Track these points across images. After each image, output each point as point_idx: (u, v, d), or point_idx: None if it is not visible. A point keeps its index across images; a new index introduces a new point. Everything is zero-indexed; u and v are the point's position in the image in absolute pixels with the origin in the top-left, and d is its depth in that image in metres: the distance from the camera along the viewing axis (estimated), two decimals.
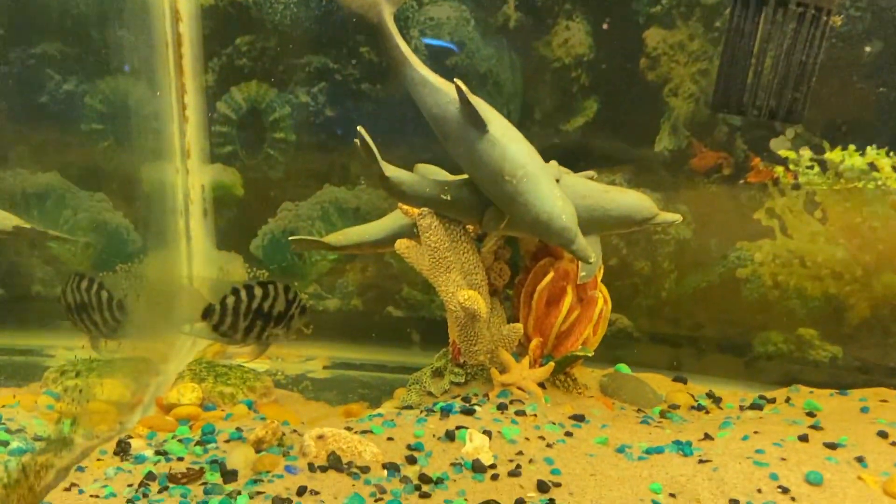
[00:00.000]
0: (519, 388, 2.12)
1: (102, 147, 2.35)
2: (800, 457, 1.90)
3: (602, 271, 2.22)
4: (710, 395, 2.45)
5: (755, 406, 2.39)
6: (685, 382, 2.53)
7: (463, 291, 2.03)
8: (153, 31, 2.27)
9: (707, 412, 2.31)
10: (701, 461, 1.85)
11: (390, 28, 1.96)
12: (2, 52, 2.18)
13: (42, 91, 2.26)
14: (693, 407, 2.36)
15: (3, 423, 1.83)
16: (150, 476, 1.65)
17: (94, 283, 2.20)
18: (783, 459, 1.88)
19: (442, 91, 1.94)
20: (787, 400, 2.44)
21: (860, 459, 1.90)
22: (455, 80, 1.86)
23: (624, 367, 2.49)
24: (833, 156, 2.28)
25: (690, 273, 2.47)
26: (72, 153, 2.33)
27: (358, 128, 1.90)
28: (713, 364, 2.58)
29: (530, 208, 1.90)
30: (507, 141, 1.91)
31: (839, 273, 2.40)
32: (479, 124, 1.89)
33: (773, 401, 2.43)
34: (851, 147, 2.26)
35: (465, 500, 1.63)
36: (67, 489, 1.61)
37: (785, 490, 1.75)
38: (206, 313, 2.24)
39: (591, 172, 2.25)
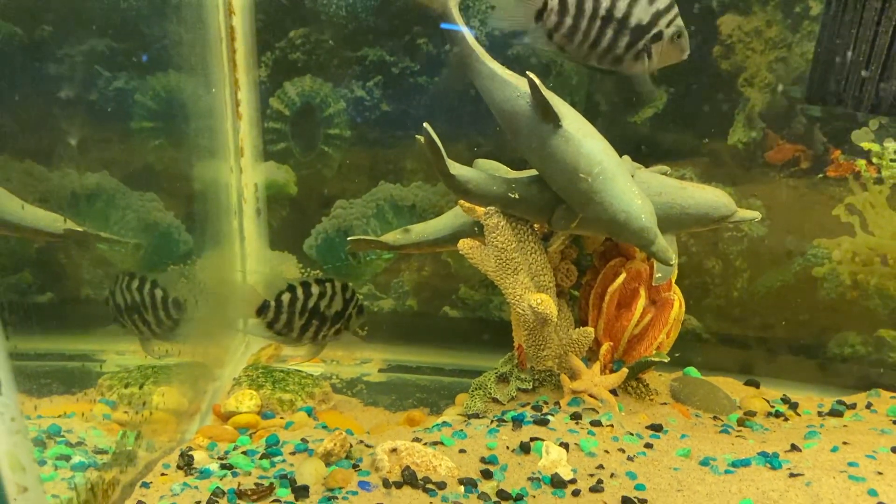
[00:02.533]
0: (591, 396, 2.03)
1: (153, 145, 2.28)
2: (891, 467, 1.79)
3: (676, 271, 2.12)
4: (785, 401, 2.33)
5: (835, 412, 2.27)
6: (758, 386, 2.41)
7: (533, 294, 1.93)
8: (206, 25, 2.19)
9: (786, 419, 2.19)
10: (792, 475, 1.74)
11: (457, 18, 1.86)
12: (49, 50, 2.11)
13: (91, 89, 2.19)
14: (770, 413, 2.24)
15: (63, 436, 1.77)
16: (217, 492, 1.58)
17: (147, 281, 2.14)
18: (880, 473, 1.77)
19: (512, 85, 1.83)
20: (869, 406, 2.32)
21: None
22: (528, 73, 1.75)
23: (693, 371, 2.39)
24: None
25: (764, 272, 2.35)
26: (121, 152, 2.26)
27: (424, 125, 1.81)
28: (785, 367, 2.46)
29: (607, 207, 1.79)
30: (581, 136, 1.80)
31: None
32: (553, 119, 1.78)
33: (853, 406, 2.31)
34: None
35: None
36: None
37: None
38: (261, 310, 2.18)
39: (663, 167, 2.13)
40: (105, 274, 2.25)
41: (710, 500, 1.67)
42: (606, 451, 1.81)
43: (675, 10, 1.82)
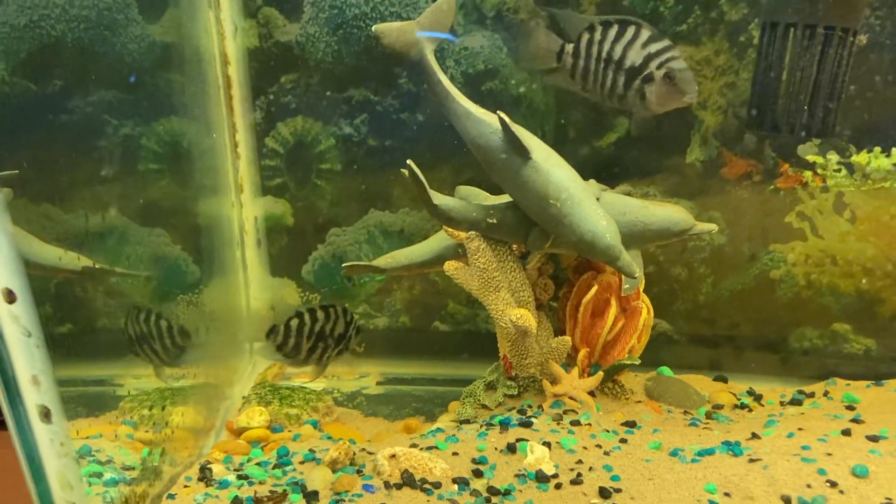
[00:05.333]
0: (571, 398, 2.23)
1: (159, 185, 2.46)
2: (844, 451, 1.99)
3: (643, 281, 2.33)
4: (750, 393, 2.54)
5: (795, 401, 2.48)
6: (726, 381, 2.62)
7: (514, 309, 2.14)
8: (204, 74, 2.39)
9: (750, 410, 2.40)
10: (751, 460, 1.95)
11: (432, 65, 2.06)
12: (62, 102, 2.30)
13: (101, 136, 2.38)
14: (736, 406, 2.45)
15: (93, 455, 1.95)
16: (236, 500, 1.77)
17: (152, 313, 2.33)
18: (829, 454, 1.97)
19: (485, 122, 2.04)
20: (826, 394, 2.53)
21: None
22: (498, 112, 1.96)
23: (666, 370, 2.59)
24: (859, 158, 2.36)
25: (726, 276, 2.56)
26: (130, 193, 2.44)
27: (408, 161, 2.01)
28: (751, 362, 2.66)
29: (575, 229, 2.00)
30: (549, 166, 2.01)
31: (870, 269, 2.48)
32: (523, 152, 1.99)
33: (811, 395, 2.52)
34: (877, 149, 2.33)
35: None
36: None
37: (833, 484, 1.84)
38: (270, 333, 2.36)
39: (626, 188, 2.35)
40: (120, 305, 2.44)
41: (678, 486, 1.87)
42: (585, 448, 2.01)
43: (670, 53, 2.00)
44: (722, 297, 2.59)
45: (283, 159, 2.51)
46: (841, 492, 1.82)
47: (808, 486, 1.85)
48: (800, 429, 2.14)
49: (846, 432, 2.10)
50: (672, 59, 1.94)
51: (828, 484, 1.85)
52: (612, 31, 2.02)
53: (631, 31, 1.97)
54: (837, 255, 2.49)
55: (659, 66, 1.95)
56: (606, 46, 2.02)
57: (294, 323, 2.35)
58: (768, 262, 2.52)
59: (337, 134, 2.45)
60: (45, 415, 1.40)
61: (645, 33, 1.96)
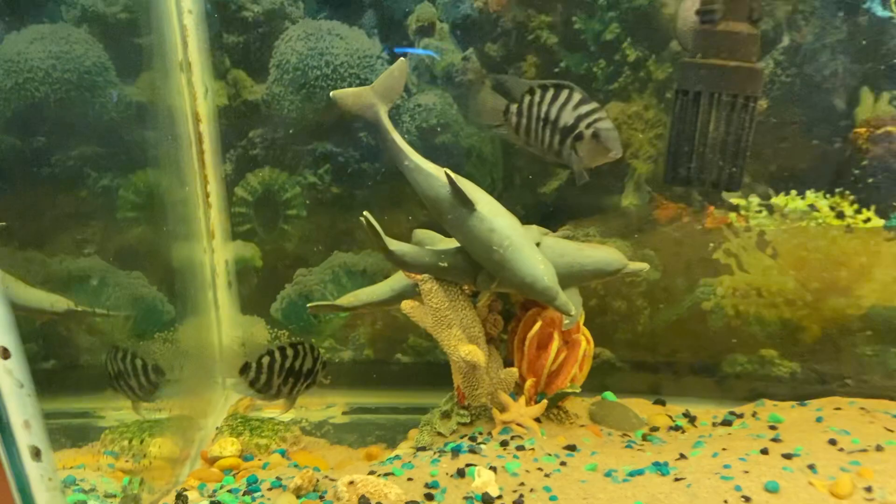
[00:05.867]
0: (518, 425, 2.44)
1: (136, 232, 2.65)
2: (760, 468, 2.22)
3: (584, 316, 2.55)
4: (686, 415, 2.76)
5: (726, 422, 2.71)
6: (664, 404, 2.85)
7: (464, 345, 2.34)
8: (177, 131, 2.58)
9: (683, 431, 2.62)
10: (676, 479, 2.16)
11: (386, 125, 2.28)
12: (46, 156, 2.49)
13: (82, 187, 2.56)
14: (671, 427, 2.67)
15: (78, 485, 2.12)
16: None
17: (129, 352, 2.50)
18: (746, 472, 2.19)
19: (434, 176, 2.26)
20: (754, 414, 2.76)
21: (811, 467, 2.22)
22: (444, 169, 2.18)
23: (610, 395, 2.81)
24: (778, 200, 2.61)
25: (662, 308, 2.79)
26: (109, 238, 2.63)
27: (364, 213, 2.22)
28: (688, 386, 2.90)
29: (516, 273, 2.22)
30: (492, 216, 2.23)
31: (791, 300, 2.73)
32: (468, 204, 2.21)
33: (741, 416, 2.75)
34: (793, 192, 2.59)
35: None
36: None
37: (747, 499, 2.06)
38: (243, 370, 2.54)
39: (567, 230, 2.57)
40: (100, 343, 2.61)
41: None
42: (527, 471, 2.21)
43: (598, 115, 2.23)
44: (659, 327, 2.82)
45: (251, 207, 2.71)
46: None
47: (725, 501, 2.07)
48: (724, 448, 2.36)
49: (764, 451, 2.32)
50: (599, 120, 2.18)
51: (742, 499, 2.07)
52: (549, 94, 2.26)
53: (565, 94, 2.21)
54: (762, 287, 2.73)
55: (587, 126, 2.18)
56: (544, 108, 2.25)
57: (265, 360, 2.52)
58: (700, 295, 2.76)
59: (302, 183, 2.65)
60: (36, 454, 1.58)
61: (577, 96, 2.20)
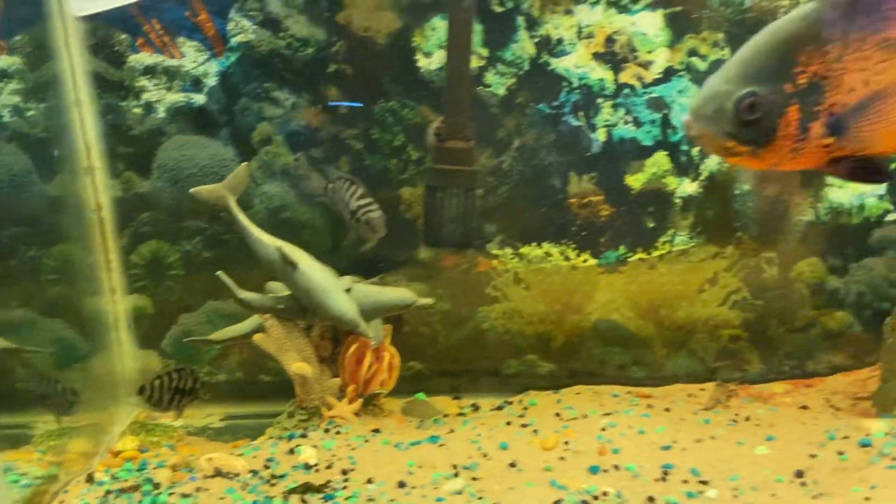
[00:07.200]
0: (340, 418, 3.43)
1: (56, 290, 3.53)
2: (500, 434, 3.19)
3: (390, 337, 3.56)
4: (473, 406, 3.77)
5: (499, 408, 3.68)
6: (459, 399, 3.86)
7: (297, 364, 3.33)
8: (85, 215, 3.47)
9: (464, 416, 3.65)
10: (441, 445, 3.18)
11: (235, 211, 3.26)
12: None
13: (14, 258, 3.45)
14: (458, 414, 3.67)
15: (13, 471, 3.00)
16: (108, 492, 2.86)
17: (52, 379, 3.39)
18: (489, 438, 3.21)
19: (269, 246, 3.24)
20: (521, 401, 3.75)
21: (535, 431, 3.26)
22: (277, 245, 3.18)
23: (421, 396, 3.76)
24: (524, 250, 3.71)
25: (454, 330, 3.83)
26: (36, 295, 3.51)
27: (218, 272, 3.20)
28: (481, 385, 3.86)
29: (329, 310, 3.21)
30: (311, 272, 3.22)
31: (542, 319, 3.78)
32: (293, 265, 3.21)
33: (511, 403, 3.74)
34: (534, 244, 3.69)
35: (296, 482, 2.91)
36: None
37: (485, 455, 3.07)
38: (140, 391, 3.44)
39: (375, 280, 3.61)
40: (32, 372, 3.48)
41: (391, 463, 3.05)
42: (339, 447, 3.17)
43: (370, 207, 3.27)
44: (454, 344, 3.84)
45: (143, 269, 3.64)
46: (485, 456, 3.02)
47: (470, 457, 3.08)
48: (482, 424, 3.39)
49: (508, 423, 3.35)
50: (370, 211, 3.24)
51: (482, 454, 3.08)
52: (346, 184, 3.31)
53: (354, 187, 3.26)
54: (521, 311, 3.79)
55: (363, 214, 3.24)
56: (342, 193, 3.30)
57: (157, 382, 3.39)
58: (480, 319, 3.80)
59: (181, 250, 3.60)
60: None
61: (360, 190, 3.26)
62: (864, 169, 2.00)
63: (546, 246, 3.67)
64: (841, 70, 1.86)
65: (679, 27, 3.37)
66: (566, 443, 3.14)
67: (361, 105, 3.35)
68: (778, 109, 1.87)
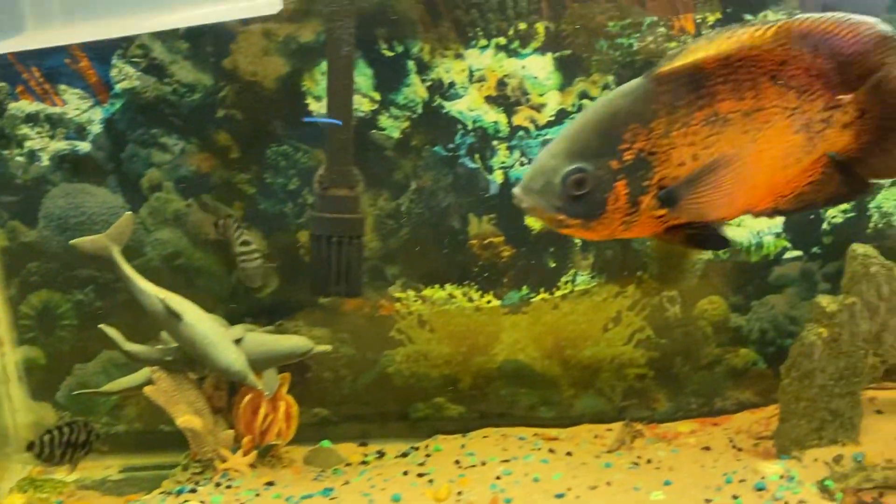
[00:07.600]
0: (235, 471, 3.34)
1: None
2: (394, 485, 3.18)
3: (286, 387, 3.49)
4: (378, 453, 3.72)
5: (404, 454, 3.65)
6: (366, 445, 3.81)
7: (185, 416, 3.24)
8: None
9: (367, 464, 3.58)
10: (332, 499, 3.11)
11: (118, 261, 3.19)
12: None
13: None
14: (361, 462, 3.63)
15: None
16: None
17: None
18: (383, 489, 3.16)
19: (151, 294, 3.18)
20: (427, 446, 3.73)
21: (431, 481, 3.22)
22: (160, 296, 3.11)
23: (326, 443, 3.70)
24: (427, 292, 3.67)
25: (360, 375, 3.77)
26: None
27: (101, 325, 3.12)
28: (390, 430, 3.83)
29: (216, 361, 3.14)
30: (195, 322, 3.16)
31: (448, 360, 3.75)
32: (177, 316, 3.14)
33: (417, 448, 3.71)
34: (437, 286, 3.65)
35: None
36: None
37: None
38: (30, 447, 3.33)
39: (271, 328, 3.54)
40: None
41: None
42: (227, 501, 3.09)
43: (250, 255, 3.24)
44: (360, 388, 3.79)
45: (34, 319, 3.54)
46: None
47: None
48: (378, 475, 3.33)
49: (405, 473, 3.31)
50: (249, 260, 3.19)
51: None
52: (234, 225, 3.26)
53: (239, 231, 3.21)
54: (427, 353, 3.75)
55: (243, 262, 3.19)
56: (230, 233, 3.25)
57: (47, 438, 3.29)
58: (385, 362, 3.76)
59: (71, 300, 3.52)
60: None
61: (246, 235, 3.20)
62: (702, 236, 1.99)
63: (449, 288, 3.64)
64: (668, 145, 1.86)
65: (569, 70, 3.37)
66: (459, 493, 3.11)
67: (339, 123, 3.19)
68: (605, 185, 1.86)
